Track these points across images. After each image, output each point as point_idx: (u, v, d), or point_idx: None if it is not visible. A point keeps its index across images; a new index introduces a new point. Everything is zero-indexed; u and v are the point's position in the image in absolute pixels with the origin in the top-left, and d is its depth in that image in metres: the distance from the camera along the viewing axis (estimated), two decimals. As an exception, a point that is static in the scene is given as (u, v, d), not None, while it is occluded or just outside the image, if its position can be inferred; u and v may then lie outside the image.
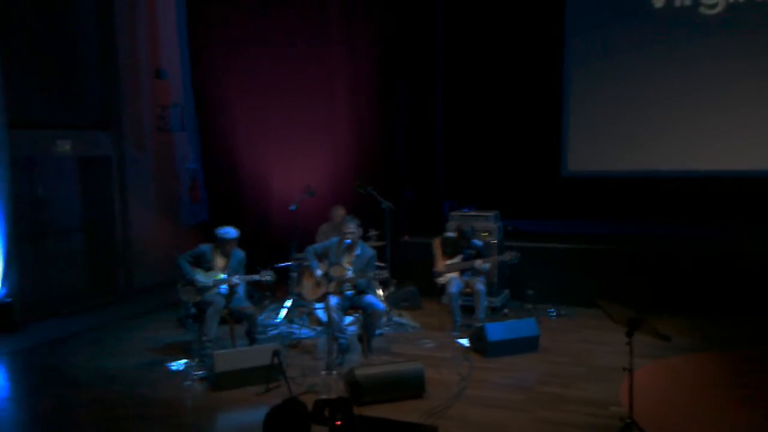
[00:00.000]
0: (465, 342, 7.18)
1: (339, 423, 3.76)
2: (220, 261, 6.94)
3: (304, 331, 7.81)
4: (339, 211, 8.47)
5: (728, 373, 6.31)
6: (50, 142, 8.96)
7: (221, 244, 6.89)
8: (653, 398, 5.52)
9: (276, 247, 9.17)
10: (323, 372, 6.31)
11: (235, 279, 6.84)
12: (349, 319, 7.32)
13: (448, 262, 7.77)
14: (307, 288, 7.18)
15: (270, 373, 5.84)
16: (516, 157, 10.82)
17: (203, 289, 6.76)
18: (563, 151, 10.87)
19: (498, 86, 10.88)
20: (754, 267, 8.09)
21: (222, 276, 6.85)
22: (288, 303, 8.29)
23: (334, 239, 7.15)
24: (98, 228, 9.81)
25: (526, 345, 6.87)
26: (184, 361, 6.71)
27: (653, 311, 7.20)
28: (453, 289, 7.57)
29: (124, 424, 5.31)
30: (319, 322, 7.85)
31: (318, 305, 7.55)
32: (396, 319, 8.13)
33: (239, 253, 6.99)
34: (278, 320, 8.14)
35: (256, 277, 6.86)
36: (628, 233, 9.68)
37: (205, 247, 6.99)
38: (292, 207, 8.42)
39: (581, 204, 10.57)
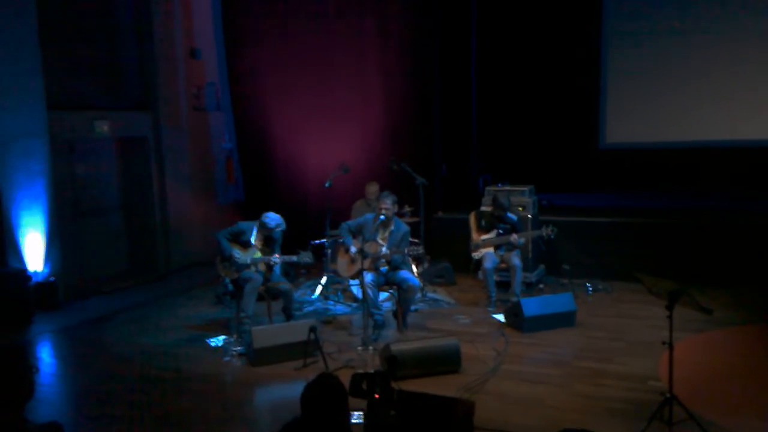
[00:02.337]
0: (500, 317, 7.15)
1: (377, 396, 3.76)
2: (260, 242, 6.98)
3: (339, 308, 7.87)
4: (372, 188, 8.47)
5: (771, 347, 6.19)
6: (89, 123, 9.09)
7: (263, 229, 6.93)
8: (694, 373, 5.43)
9: (311, 225, 9.23)
10: (359, 348, 6.35)
11: (274, 259, 6.89)
12: (384, 295, 7.34)
13: (484, 237, 7.72)
14: (342, 265, 7.21)
15: (307, 349, 5.90)
16: (552, 130, 10.68)
17: (241, 267, 6.83)
18: (601, 123, 10.71)
19: (534, 59, 10.72)
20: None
21: (259, 256, 6.90)
22: (323, 280, 8.35)
23: (369, 215, 7.15)
24: (137, 207, 9.98)
25: (563, 320, 6.81)
26: (223, 337, 6.81)
27: (693, 284, 7.05)
28: (488, 264, 7.53)
29: (166, 399, 5.41)
30: (354, 298, 7.89)
31: (353, 282, 7.58)
32: (431, 295, 8.14)
33: (278, 232, 7.03)
34: (314, 297, 8.21)
35: (295, 258, 6.91)
36: (667, 206, 9.51)
37: (244, 225, 7.04)
38: (327, 184, 8.43)
39: (619, 177, 10.43)
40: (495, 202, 7.77)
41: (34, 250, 8.16)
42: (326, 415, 3.08)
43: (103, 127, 9.23)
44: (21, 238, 8.08)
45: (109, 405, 5.36)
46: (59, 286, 8.28)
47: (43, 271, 8.21)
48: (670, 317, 4.45)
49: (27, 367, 3.27)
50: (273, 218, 6.91)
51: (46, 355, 6.91)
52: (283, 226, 6.96)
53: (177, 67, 10.35)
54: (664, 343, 4.52)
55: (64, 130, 8.71)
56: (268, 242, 6.99)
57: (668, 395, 4.50)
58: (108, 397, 5.53)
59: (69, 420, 4.86)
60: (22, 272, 7.91)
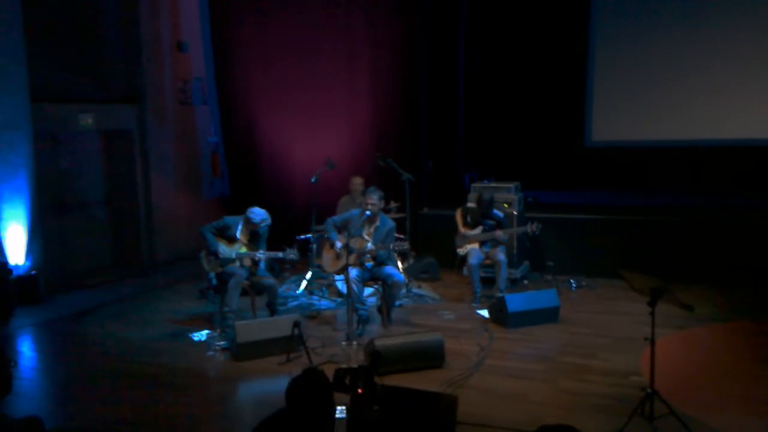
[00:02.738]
0: (485, 313, 7.18)
1: (360, 391, 3.76)
2: (245, 237, 6.96)
3: (324, 303, 7.85)
4: (357, 180, 8.46)
5: (751, 344, 6.24)
6: (73, 115, 9.01)
7: (249, 224, 6.91)
8: (675, 368, 5.48)
9: (296, 220, 9.22)
10: (343, 343, 6.35)
11: (259, 254, 6.86)
12: (368, 290, 7.34)
13: (469, 232, 7.74)
14: (327, 260, 7.20)
15: (291, 344, 5.90)
16: (539, 128, 10.73)
17: (225, 261, 6.81)
18: (587, 121, 10.77)
19: (521, 56, 10.75)
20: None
21: (244, 251, 6.87)
22: (308, 275, 8.33)
23: (355, 211, 7.15)
24: (121, 201, 9.91)
25: (547, 316, 6.84)
26: (206, 331, 6.78)
27: (676, 281, 7.09)
28: (473, 260, 7.55)
29: (148, 394, 5.38)
30: (339, 293, 7.88)
31: (338, 277, 7.58)
32: (415, 290, 8.14)
33: (264, 227, 7.00)
34: (299, 292, 8.19)
35: (280, 254, 6.88)
36: (652, 203, 9.58)
37: (230, 220, 7.00)
38: (313, 179, 8.42)
39: (604, 175, 10.48)
40: (478, 199, 7.80)
41: (15, 243, 8.08)
42: (311, 410, 3.08)
43: (88, 120, 9.16)
44: (2, 231, 8.00)
45: (90, 400, 5.32)
46: (41, 280, 8.21)
47: (24, 264, 8.14)
48: (652, 314, 4.49)
49: (5, 361, 3.24)
50: (258, 213, 6.88)
51: (26, 349, 6.85)
52: (269, 221, 6.94)
53: (163, 60, 10.28)
54: (646, 339, 4.56)
55: (47, 122, 8.63)
56: (254, 237, 6.96)
57: (649, 390, 4.53)
58: (89, 391, 5.49)
59: (49, 414, 4.81)
60: (3, 265, 7.80)
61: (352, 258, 6.77)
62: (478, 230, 7.71)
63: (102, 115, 9.37)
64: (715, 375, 5.51)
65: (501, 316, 6.81)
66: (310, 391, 3.10)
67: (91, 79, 9.41)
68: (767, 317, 6.98)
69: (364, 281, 6.89)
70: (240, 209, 7.13)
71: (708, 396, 5.09)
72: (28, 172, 8.17)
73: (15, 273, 7.94)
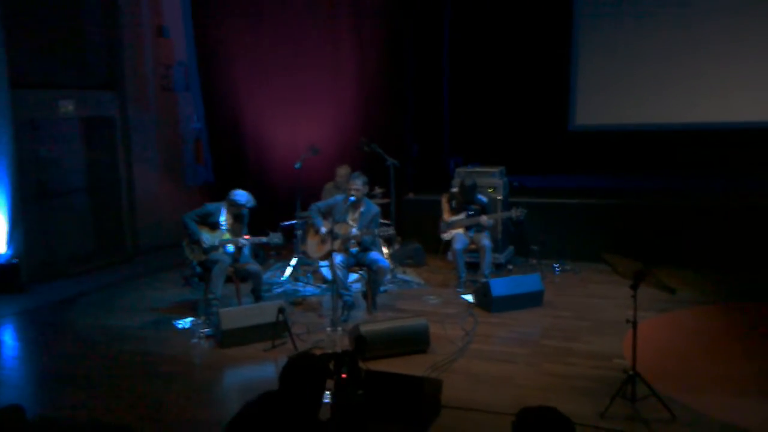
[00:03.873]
0: (469, 298, 7.20)
1: (344, 376, 3.76)
2: (229, 221, 6.92)
3: (309, 289, 7.85)
4: (343, 170, 8.42)
5: (732, 326, 6.31)
6: (53, 102, 8.89)
7: (233, 207, 6.86)
8: (657, 351, 5.54)
9: (281, 206, 9.17)
10: (328, 329, 6.35)
11: (243, 240, 6.83)
12: (353, 276, 7.34)
13: (453, 218, 7.75)
14: (311, 246, 7.19)
15: (275, 330, 5.89)
16: (523, 112, 10.74)
17: (209, 249, 6.77)
18: (571, 105, 10.79)
19: (505, 40, 10.74)
20: (763, 220, 8.04)
21: (228, 237, 6.84)
22: (293, 261, 8.31)
23: (339, 197, 7.13)
24: (103, 188, 9.79)
25: (531, 300, 6.88)
26: (190, 319, 6.76)
27: (659, 265, 7.14)
28: (458, 245, 7.56)
29: (133, 382, 5.36)
30: (324, 279, 7.88)
31: (323, 263, 7.56)
32: (400, 276, 8.15)
33: (245, 212, 6.98)
34: (283, 278, 8.17)
35: (265, 239, 6.85)
36: (635, 187, 9.64)
37: (211, 207, 6.96)
38: (297, 165, 8.38)
39: (588, 158, 10.52)
40: (461, 185, 7.79)
41: (-4, 231, 8.01)
42: (304, 392, 3.11)
43: (68, 107, 9.04)
44: (-18, 220, 7.92)
45: (73, 388, 5.28)
46: (22, 269, 8.12)
47: (5, 253, 8.05)
48: (634, 297, 4.52)
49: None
50: (242, 195, 6.85)
51: (8, 339, 6.78)
52: (252, 203, 6.91)
53: (144, 45, 10.15)
54: (628, 321, 4.60)
55: (27, 109, 8.50)
56: (237, 220, 6.93)
57: (631, 373, 4.58)
58: (72, 380, 5.45)
59: (31, 403, 4.78)
60: (-16, 254, 7.76)
61: (337, 244, 6.76)
62: (462, 215, 7.71)
63: (82, 101, 9.25)
64: (697, 357, 5.57)
65: (485, 300, 6.84)
66: (306, 374, 3.12)
67: (71, 65, 9.27)
68: (748, 299, 7.07)
69: (349, 267, 6.88)
70: (224, 196, 7.08)
71: (689, 377, 5.15)
72: (8, 160, 8.06)
73: (-4, 261, 7.87)
